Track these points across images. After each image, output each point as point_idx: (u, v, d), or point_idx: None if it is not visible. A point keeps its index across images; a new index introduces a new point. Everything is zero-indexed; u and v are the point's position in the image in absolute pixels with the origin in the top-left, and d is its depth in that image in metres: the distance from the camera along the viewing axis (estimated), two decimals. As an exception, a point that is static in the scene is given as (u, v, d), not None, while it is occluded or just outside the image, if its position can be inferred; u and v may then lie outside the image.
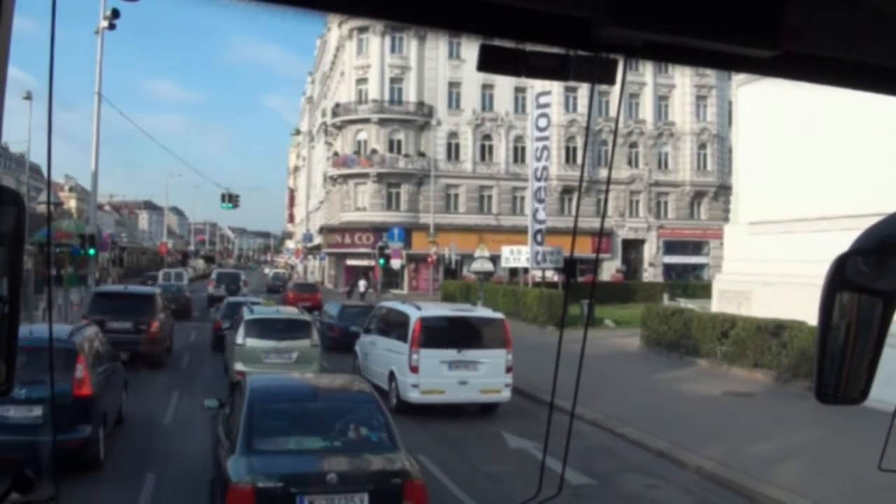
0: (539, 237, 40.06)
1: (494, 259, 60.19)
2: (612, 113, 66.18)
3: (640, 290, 53.17)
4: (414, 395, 16.02)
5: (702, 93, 66.86)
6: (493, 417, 16.28)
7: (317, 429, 8.63)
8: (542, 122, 41.33)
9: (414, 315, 16.67)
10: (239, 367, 16.83)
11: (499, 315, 17.76)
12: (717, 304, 25.64)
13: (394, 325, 17.64)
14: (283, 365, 17.25)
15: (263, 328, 18.31)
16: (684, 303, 28.85)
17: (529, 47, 1.35)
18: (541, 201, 40.70)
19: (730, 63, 1.37)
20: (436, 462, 12.46)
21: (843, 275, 1.82)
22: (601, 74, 1.37)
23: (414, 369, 16.01)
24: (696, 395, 18.21)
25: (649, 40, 1.23)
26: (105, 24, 31.84)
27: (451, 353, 16.14)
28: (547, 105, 42.81)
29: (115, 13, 31.73)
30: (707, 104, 67.70)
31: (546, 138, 41.46)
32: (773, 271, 21.87)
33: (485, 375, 16.16)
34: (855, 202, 16.75)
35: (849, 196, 18.81)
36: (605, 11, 1.16)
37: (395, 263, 43.29)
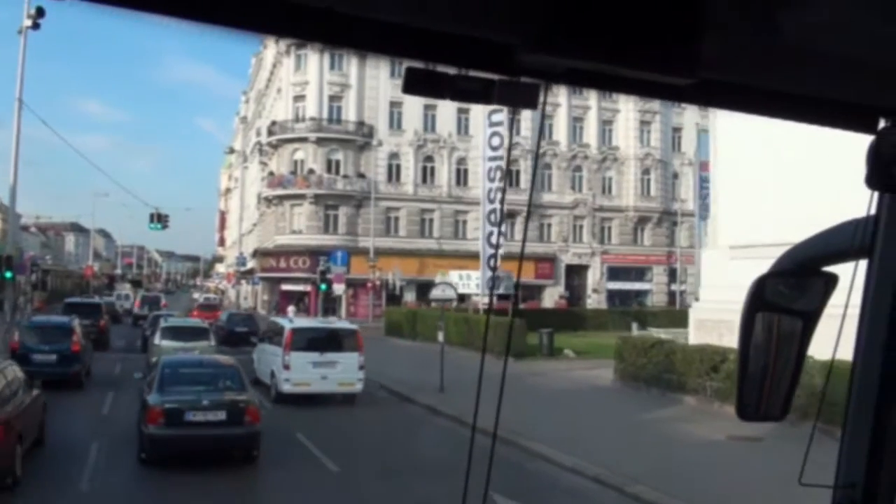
0: (492, 262, 37.93)
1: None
2: (556, 136, 65.15)
3: (590, 318, 51.53)
4: (287, 387, 20.71)
5: (646, 118, 66.13)
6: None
7: (200, 381, 14.44)
8: (496, 141, 39.31)
9: (287, 326, 22.21)
10: (155, 360, 21.37)
11: (354, 326, 23.42)
12: (695, 335, 23.78)
13: (275, 335, 22.68)
14: None
15: (174, 333, 25.14)
16: (655, 332, 26.92)
17: (454, 71, 1.36)
18: (494, 224, 38.59)
19: (648, 90, 1.39)
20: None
21: (762, 296, 1.91)
22: (524, 99, 1.39)
23: (287, 367, 20.74)
24: (698, 440, 16.13)
25: (570, 67, 1.25)
26: (29, 23, 29.39)
27: (315, 355, 20.78)
28: (500, 123, 40.74)
29: (40, 12, 29.28)
30: (651, 129, 67.06)
31: (500, 158, 39.39)
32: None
33: (342, 372, 20.81)
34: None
35: (838, 218, 17.12)
36: (528, 39, 1.20)
37: (338, 289, 40.76)
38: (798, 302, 1.94)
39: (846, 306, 1.92)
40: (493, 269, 37.52)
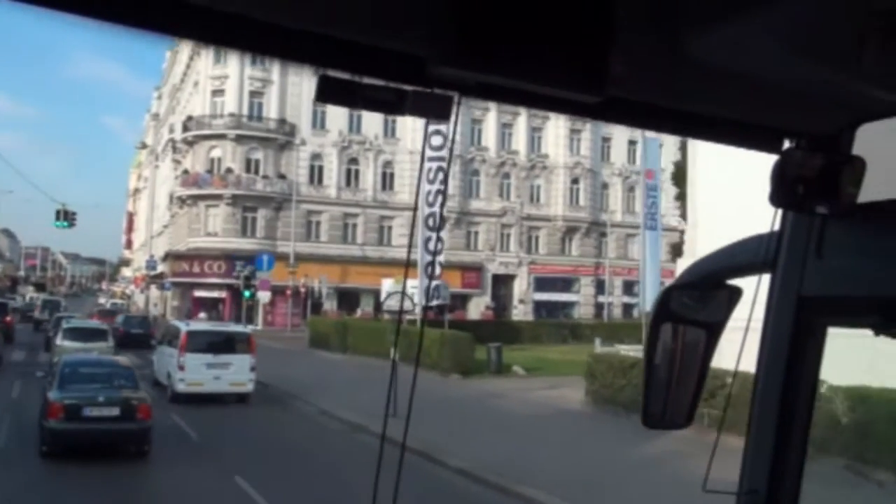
0: (431, 269, 35.29)
1: (361, 292, 55.73)
2: (485, 143, 63.21)
3: (524, 330, 49.39)
4: (181, 387, 21.69)
5: (576, 126, 64.69)
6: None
7: (97, 379, 15.86)
8: (436, 140, 36.42)
9: (183, 328, 23.29)
10: (56, 360, 20.89)
11: (247, 330, 25.07)
12: (669, 353, 21.69)
13: (172, 337, 23.62)
14: None
15: (76, 334, 27.06)
16: (623, 349, 24.76)
17: (368, 80, 1.36)
18: (433, 229, 35.89)
19: (557, 106, 1.42)
20: None
21: (667, 307, 1.95)
22: (437, 110, 1.40)
23: (181, 368, 21.75)
24: (719, 481, 13.84)
25: (481, 81, 1.26)
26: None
27: (209, 357, 21.82)
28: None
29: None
30: (581, 138, 65.92)
31: (441, 159, 36.71)
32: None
33: (234, 373, 22.09)
34: None
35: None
36: (436, 51, 1.21)
37: (264, 296, 37.56)
38: (702, 313, 1.96)
39: (749, 319, 1.93)
40: (431, 276, 34.95)
